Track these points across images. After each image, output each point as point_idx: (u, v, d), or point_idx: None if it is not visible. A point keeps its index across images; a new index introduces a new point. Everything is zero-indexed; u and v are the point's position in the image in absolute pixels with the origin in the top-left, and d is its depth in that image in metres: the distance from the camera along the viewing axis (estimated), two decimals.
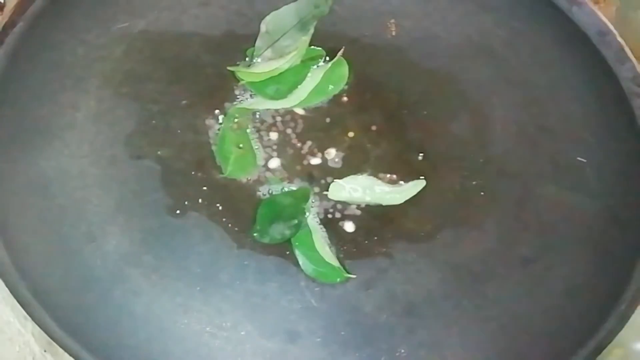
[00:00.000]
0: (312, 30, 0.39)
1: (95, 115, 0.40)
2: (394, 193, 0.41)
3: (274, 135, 0.42)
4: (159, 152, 0.42)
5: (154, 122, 0.41)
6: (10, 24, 0.35)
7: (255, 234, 0.42)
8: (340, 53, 0.39)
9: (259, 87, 0.41)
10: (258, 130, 0.42)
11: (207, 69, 0.40)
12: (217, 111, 0.42)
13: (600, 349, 0.37)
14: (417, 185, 0.41)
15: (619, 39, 0.33)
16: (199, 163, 0.42)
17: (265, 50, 0.39)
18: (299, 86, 0.41)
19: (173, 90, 0.41)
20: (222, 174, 0.42)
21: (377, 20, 0.38)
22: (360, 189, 0.42)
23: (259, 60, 0.40)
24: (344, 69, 0.40)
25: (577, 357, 0.37)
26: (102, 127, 0.40)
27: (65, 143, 0.40)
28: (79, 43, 0.38)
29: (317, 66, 0.40)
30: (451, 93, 0.39)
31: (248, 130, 0.42)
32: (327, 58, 0.40)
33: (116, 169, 0.41)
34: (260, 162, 0.42)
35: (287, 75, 0.40)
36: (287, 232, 0.42)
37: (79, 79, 0.39)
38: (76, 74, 0.39)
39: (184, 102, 0.41)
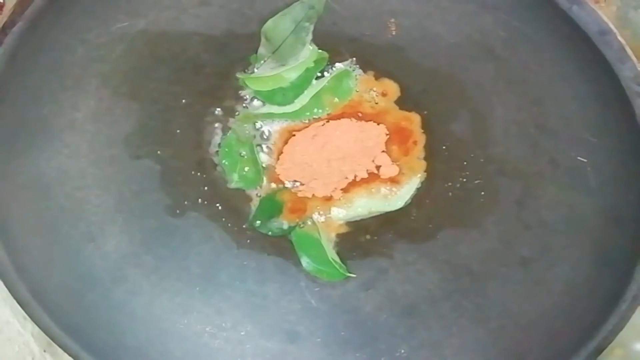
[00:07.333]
0: (310, 35, 0.39)
1: (94, 115, 0.40)
2: (393, 200, 0.41)
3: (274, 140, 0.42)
4: (158, 152, 0.42)
5: (153, 122, 0.41)
6: (9, 24, 0.35)
7: (255, 224, 0.42)
8: (346, 63, 0.39)
9: (266, 94, 0.41)
10: (259, 137, 0.42)
11: (207, 69, 0.40)
12: (217, 111, 0.42)
13: (600, 349, 0.37)
14: (412, 185, 0.41)
15: (620, 38, 0.33)
16: (198, 163, 0.42)
17: (269, 57, 0.40)
18: (305, 91, 0.41)
19: (173, 89, 0.41)
20: (227, 183, 0.42)
21: (377, 20, 0.38)
22: (360, 208, 0.42)
23: (262, 66, 0.40)
24: (351, 81, 0.40)
25: (577, 357, 0.37)
26: (102, 127, 0.40)
27: (64, 143, 0.40)
28: (78, 43, 0.38)
29: (322, 73, 0.40)
30: (451, 93, 0.39)
31: (252, 141, 0.42)
32: (331, 61, 0.40)
33: (116, 169, 0.41)
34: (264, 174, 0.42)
35: (293, 80, 0.40)
36: (286, 227, 0.42)
37: (78, 78, 0.39)
38: (76, 74, 0.39)
39: (183, 101, 0.41)
